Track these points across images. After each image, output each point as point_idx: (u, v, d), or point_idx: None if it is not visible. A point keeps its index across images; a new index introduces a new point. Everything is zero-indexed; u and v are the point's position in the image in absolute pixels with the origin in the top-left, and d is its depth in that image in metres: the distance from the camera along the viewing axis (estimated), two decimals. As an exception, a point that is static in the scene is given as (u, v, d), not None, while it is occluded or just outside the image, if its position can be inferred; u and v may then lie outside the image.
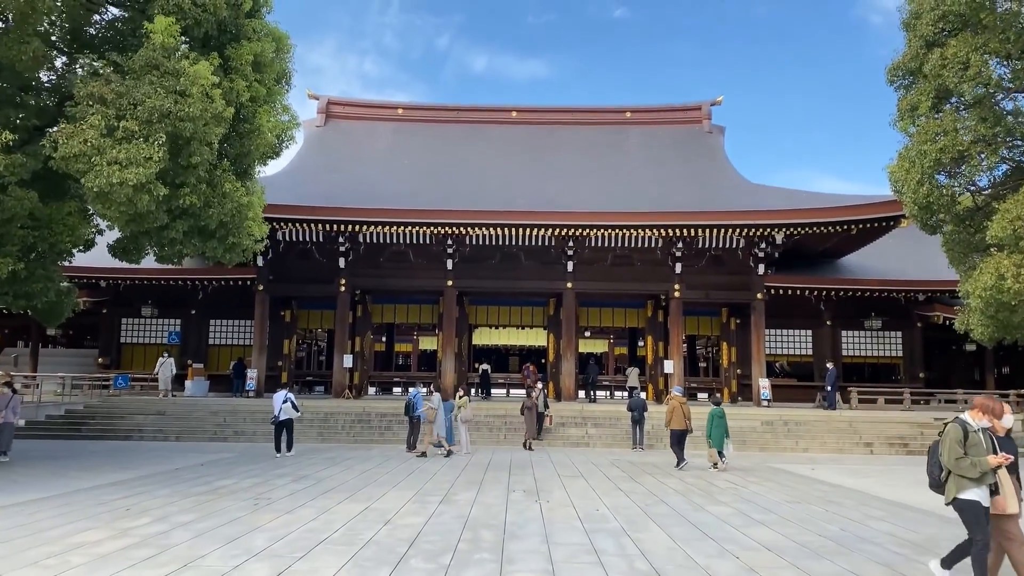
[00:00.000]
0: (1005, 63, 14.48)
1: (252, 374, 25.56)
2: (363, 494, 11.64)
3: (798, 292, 26.60)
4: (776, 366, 30.19)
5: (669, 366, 25.81)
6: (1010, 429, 6.66)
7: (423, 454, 17.26)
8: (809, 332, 29.08)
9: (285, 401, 17.04)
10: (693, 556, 7.86)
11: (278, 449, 16.96)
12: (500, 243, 25.26)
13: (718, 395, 21.97)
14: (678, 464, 16.05)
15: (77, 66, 13.90)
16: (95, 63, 12.28)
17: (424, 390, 18.24)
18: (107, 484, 12.22)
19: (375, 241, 25.46)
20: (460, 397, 18.97)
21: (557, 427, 21.34)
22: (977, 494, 6.22)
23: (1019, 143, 14.97)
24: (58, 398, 23.92)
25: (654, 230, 24.60)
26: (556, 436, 21.02)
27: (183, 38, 13.16)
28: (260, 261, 25.66)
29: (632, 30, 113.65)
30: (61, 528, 8.71)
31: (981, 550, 6.25)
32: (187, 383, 26.24)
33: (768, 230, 24.57)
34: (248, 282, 26.27)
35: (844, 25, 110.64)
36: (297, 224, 24.15)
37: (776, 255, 26.12)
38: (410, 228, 24.46)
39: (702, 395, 28.75)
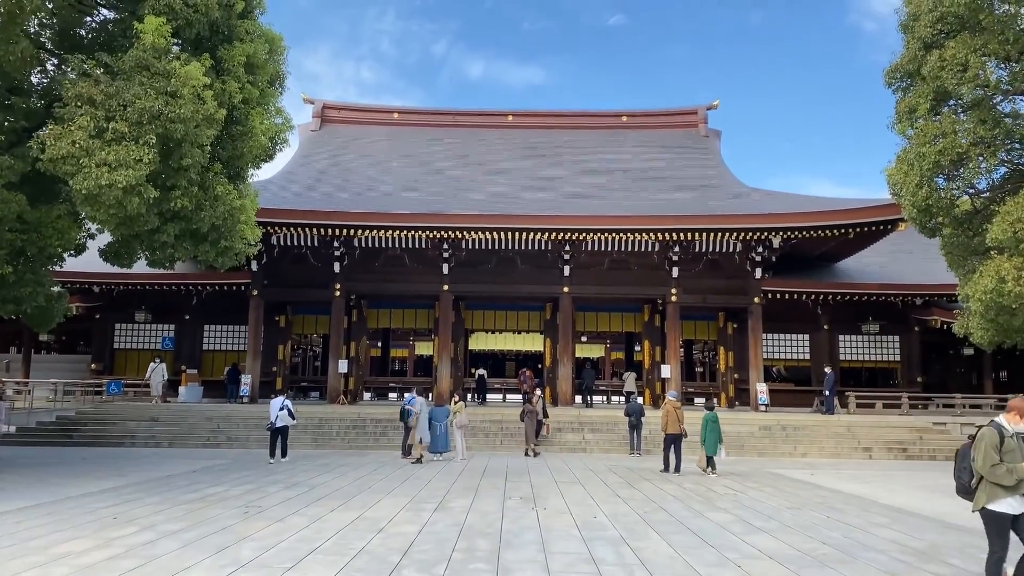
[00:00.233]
0: (1004, 65, 14.41)
1: (246, 380, 25.35)
2: (356, 501, 11.45)
3: (795, 296, 26.48)
4: (773, 371, 30.03)
5: (666, 371, 25.67)
6: None
7: (418, 460, 17.09)
8: (806, 336, 28.95)
9: (282, 408, 16.84)
10: (694, 565, 7.69)
11: (272, 455, 16.77)
12: (496, 247, 25.11)
13: (713, 400, 21.83)
14: (664, 468, 15.92)
15: (67, 67, 13.72)
16: (84, 64, 12.10)
17: (420, 398, 18.08)
18: (96, 492, 12.02)
19: (370, 245, 25.29)
20: (456, 402, 18.79)
21: (554, 432, 21.17)
22: (1009, 505, 6.01)
23: (1018, 146, 14.87)
24: (50, 404, 23.71)
25: (651, 234, 24.51)
26: (553, 442, 20.84)
27: (174, 39, 12.98)
28: (254, 266, 25.48)
29: (628, 36, 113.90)
30: (47, 537, 8.52)
31: (997, 562, 6.10)
32: (181, 389, 26.00)
33: (765, 234, 24.48)
34: (242, 287, 26.07)
35: (838, 31, 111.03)
36: (292, 228, 23.99)
37: (773, 259, 26.02)
38: (405, 232, 24.32)
39: (699, 400, 28.55)
